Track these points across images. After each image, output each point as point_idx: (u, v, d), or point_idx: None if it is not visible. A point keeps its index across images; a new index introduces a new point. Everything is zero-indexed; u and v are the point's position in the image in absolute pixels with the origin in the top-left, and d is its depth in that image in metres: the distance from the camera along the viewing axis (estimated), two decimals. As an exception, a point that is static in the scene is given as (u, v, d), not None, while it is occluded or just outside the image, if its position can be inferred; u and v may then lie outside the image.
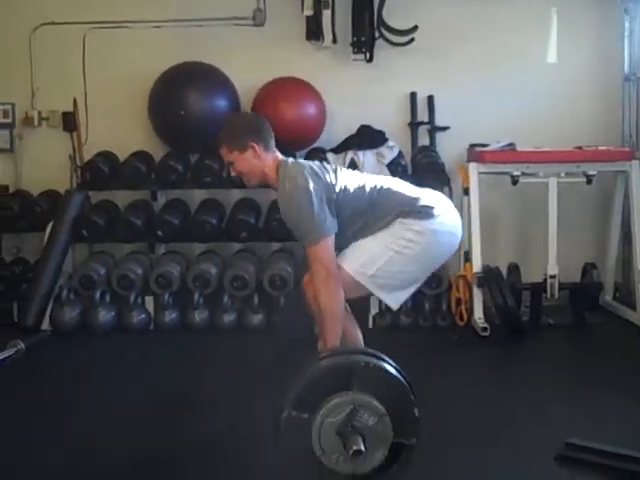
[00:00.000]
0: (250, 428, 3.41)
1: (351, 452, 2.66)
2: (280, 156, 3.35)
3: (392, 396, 2.75)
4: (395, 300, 3.34)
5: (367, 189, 3.28)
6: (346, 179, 3.28)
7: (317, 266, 3.15)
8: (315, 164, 3.31)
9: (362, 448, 2.67)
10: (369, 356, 2.85)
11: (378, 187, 3.29)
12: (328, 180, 3.22)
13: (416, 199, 3.26)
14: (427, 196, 3.31)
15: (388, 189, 3.30)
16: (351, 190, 3.26)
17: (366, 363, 2.80)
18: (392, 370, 2.80)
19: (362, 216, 3.25)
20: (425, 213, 3.22)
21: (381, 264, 3.19)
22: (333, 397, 2.71)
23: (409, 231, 3.19)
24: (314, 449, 2.71)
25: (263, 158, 3.28)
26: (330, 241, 3.16)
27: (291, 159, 3.38)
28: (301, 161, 3.41)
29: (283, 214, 3.26)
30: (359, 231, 3.25)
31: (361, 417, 2.70)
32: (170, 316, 5.19)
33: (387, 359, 2.85)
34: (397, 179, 3.48)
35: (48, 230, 5.30)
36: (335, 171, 3.30)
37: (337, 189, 3.22)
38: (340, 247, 3.25)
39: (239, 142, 3.27)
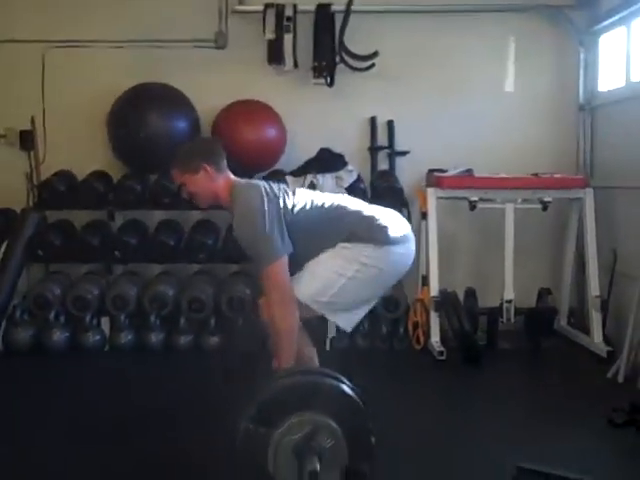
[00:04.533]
0: (205, 446, 3.42)
1: (307, 473, 2.64)
2: (232, 177, 3.36)
3: (350, 421, 2.74)
4: (349, 323, 3.36)
5: (324, 207, 3.29)
6: (302, 198, 3.29)
7: (271, 288, 3.14)
8: (269, 184, 3.31)
9: (317, 469, 2.65)
10: (332, 378, 2.84)
11: (335, 205, 3.31)
12: (282, 200, 3.22)
13: (371, 218, 3.27)
14: (381, 215, 3.32)
15: (344, 207, 3.31)
16: (307, 208, 3.26)
17: (329, 385, 2.79)
18: (353, 395, 2.80)
19: (318, 233, 3.25)
20: (379, 235, 3.23)
21: (335, 291, 3.19)
22: (293, 415, 2.69)
23: (362, 256, 3.20)
24: (268, 466, 2.68)
25: (215, 179, 3.29)
26: (284, 262, 3.15)
27: (244, 180, 3.39)
28: (254, 181, 3.41)
29: (237, 235, 3.25)
30: (315, 248, 3.25)
31: (318, 440, 2.69)
32: (126, 337, 5.14)
33: (349, 384, 2.84)
34: (354, 198, 3.49)
35: (3, 249, 5.22)
36: (292, 191, 3.32)
37: (292, 209, 3.23)
38: (297, 264, 3.25)
39: (191, 164, 3.28)
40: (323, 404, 2.73)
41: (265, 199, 3.17)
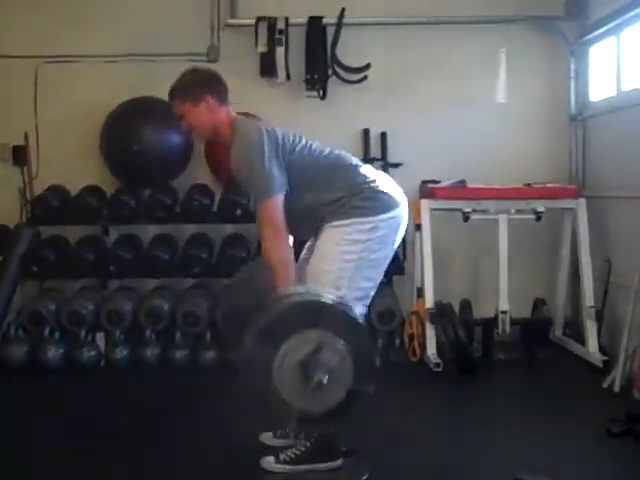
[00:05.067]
0: (201, 461, 3.41)
1: (313, 384, 2.61)
2: (233, 113, 3.35)
3: (356, 340, 2.73)
4: (363, 307, 3.31)
5: (322, 153, 3.30)
6: (302, 142, 3.29)
7: (265, 223, 3.15)
8: (270, 125, 3.31)
9: (324, 381, 2.63)
10: (337, 302, 2.84)
11: (334, 154, 3.33)
12: (281, 139, 3.22)
13: (366, 177, 3.27)
14: (374, 176, 3.31)
15: (343, 159, 3.33)
16: (305, 153, 3.27)
17: (335, 304, 2.79)
18: (359, 318, 2.78)
19: (314, 180, 3.24)
20: (372, 203, 3.21)
21: (347, 281, 3.17)
22: (298, 332, 2.67)
23: (358, 232, 3.18)
24: (273, 382, 2.67)
25: (216, 112, 3.28)
26: (279, 199, 3.15)
27: (244, 117, 3.38)
28: (255, 120, 3.38)
29: (235, 169, 3.23)
30: (311, 198, 3.23)
31: (324, 356, 2.67)
32: (121, 353, 5.12)
33: (354, 309, 2.84)
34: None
35: (-4, 265, 5.22)
36: (293, 134, 3.30)
37: (291, 149, 3.23)
38: (292, 217, 3.21)
39: (193, 94, 3.26)
40: (329, 323, 2.71)
41: (265, 136, 3.17)
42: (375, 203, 3.23)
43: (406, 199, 3.38)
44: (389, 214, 3.25)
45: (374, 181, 3.28)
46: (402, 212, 3.33)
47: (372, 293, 3.32)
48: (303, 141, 3.31)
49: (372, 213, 3.21)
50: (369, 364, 2.77)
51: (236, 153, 3.21)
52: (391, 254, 3.36)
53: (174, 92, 3.32)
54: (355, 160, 3.39)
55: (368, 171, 3.34)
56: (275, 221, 3.14)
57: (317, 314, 2.72)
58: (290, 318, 2.72)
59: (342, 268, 3.17)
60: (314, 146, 3.33)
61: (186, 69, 3.43)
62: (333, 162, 3.31)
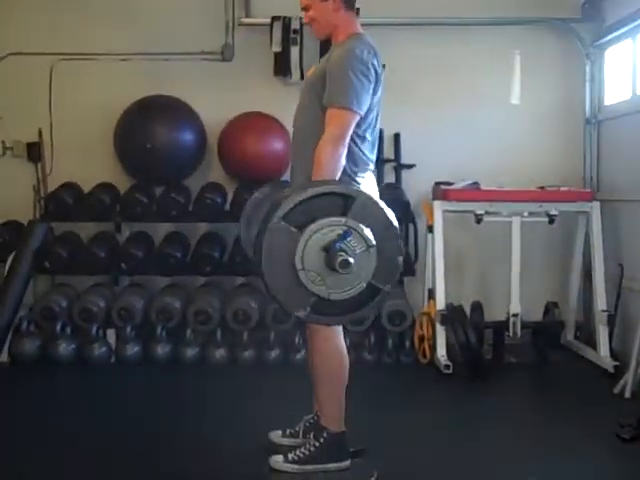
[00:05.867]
0: (210, 459, 3.42)
1: (339, 261, 2.60)
2: (359, 28, 3.29)
3: (382, 235, 2.70)
4: None
5: (369, 138, 3.21)
6: (373, 115, 3.21)
7: (333, 126, 3.05)
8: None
9: (351, 259, 2.60)
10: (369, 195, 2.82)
11: (371, 150, 3.25)
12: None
13: (362, 182, 3.19)
14: (372, 187, 3.23)
15: (369, 157, 3.25)
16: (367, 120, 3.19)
17: (367, 195, 2.77)
18: (388, 212, 2.76)
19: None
20: None
21: None
22: (326, 218, 2.65)
23: None
24: (295, 262, 2.63)
25: (341, 14, 3.24)
26: (354, 117, 3.07)
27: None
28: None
29: (331, 65, 3.15)
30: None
31: (350, 242, 2.65)
32: (132, 349, 5.13)
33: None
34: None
35: (10, 261, 5.23)
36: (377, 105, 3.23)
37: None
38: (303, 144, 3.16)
39: None
40: (358, 213, 2.67)
41: (375, 63, 3.13)
42: None
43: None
44: None
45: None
46: None
47: None
48: (373, 115, 3.22)
49: None
50: (393, 261, 2.72)
51: (341, 53, 3.15)
52: None
53: None
54: (372, 167, 3.32)
55: (370, 180, 3.26)
56: (343, 130, 3.04)
57: (346, 202, 2.67)
58: (318, 203, 2.67)
59: None
60: (373, 125, 3.24)
61: None
62: (363, 150, 3.21)
